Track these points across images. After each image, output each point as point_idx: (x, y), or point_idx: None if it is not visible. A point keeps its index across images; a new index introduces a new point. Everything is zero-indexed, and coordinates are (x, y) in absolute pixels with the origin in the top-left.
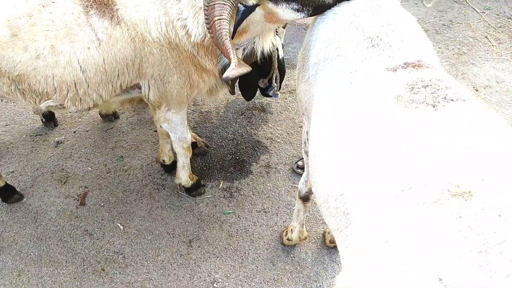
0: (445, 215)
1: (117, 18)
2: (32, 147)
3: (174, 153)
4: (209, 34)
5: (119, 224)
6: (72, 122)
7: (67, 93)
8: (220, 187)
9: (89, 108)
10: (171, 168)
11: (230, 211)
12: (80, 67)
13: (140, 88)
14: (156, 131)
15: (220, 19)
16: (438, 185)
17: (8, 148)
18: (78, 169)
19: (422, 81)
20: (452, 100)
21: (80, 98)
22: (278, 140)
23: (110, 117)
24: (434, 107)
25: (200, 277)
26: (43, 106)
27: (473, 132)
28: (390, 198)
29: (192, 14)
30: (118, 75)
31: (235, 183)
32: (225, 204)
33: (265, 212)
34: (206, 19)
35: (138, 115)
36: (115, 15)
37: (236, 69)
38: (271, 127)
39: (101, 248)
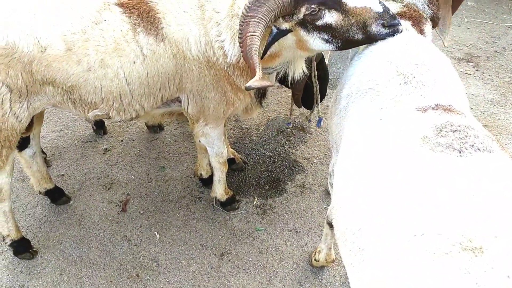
0: (454, 268)
1: (162, 35)
2: (82, 153)
3: (211, 168)
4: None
5: (156, 233)
6: (120, 131)
7: (113, 103)
8: (254, 203)
9: (132, 119)
10: (208, 182)
11: (262, 228)
12: (126, 79)
13: (180, 101)
14: None
15: (252, 35)
16: (451, 236)
17: (60, 152)
18: (122, 177)
19: (451, 125)
20: (479, 149)
21: (124, 109)
22: (315, 161)
23: (155, 128)
24: (460, 153)
25: None
26: (91, 115)
27: (494, 186)
28: (403, 241)
29: (230, 36)
30: (160, 88)
31: (269, 201)
32: (258, 220)
33: (297, 231)
34: (239, 33)
35: (181, 127)
36: (160, 33)
37: (259, 81)
38: (309, 147)
39: (138, 254)
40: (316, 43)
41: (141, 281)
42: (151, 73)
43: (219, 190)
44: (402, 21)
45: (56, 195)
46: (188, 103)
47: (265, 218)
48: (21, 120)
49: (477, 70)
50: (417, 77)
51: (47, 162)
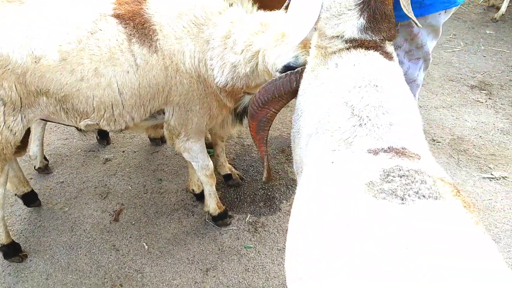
0: None
1: (155, 47)
2: (84, 161)
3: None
4: (230, 83)
5: (145, 244)
6: (123, 142)
7: (104, 113)
8: (246, 220)
9: (121, 130)
10: (201, 197)
11: (251, 246)
12: (118, 89)
13: (164, 114)
14: None
15: (263, 131)
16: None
17: (63, 159)
18: (119, 187)
19: (400, 170)
20: (424, 196)
21: (115, 119)
22: None
23: (157, 141)
24: (402, 200)
25: None
26: (82, 124)
27: (426, 239)
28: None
29: (219, 65)
30: (149, 99)
31: (262, 219)
32: (248, 238)
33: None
34: (253, 112)
35: None
36: (154, 45)
37: (266, 172)
38: None
39: (124, 264)
40: None
41: None
42: (142, 84)
43: (212, 204)
44: (368, 52)
45: (31, 198)
46: (173, 115)
47: (255, 236)
48: (15, 133)
49: (489, 99)
50: (372, 120)
51: (48, 169)
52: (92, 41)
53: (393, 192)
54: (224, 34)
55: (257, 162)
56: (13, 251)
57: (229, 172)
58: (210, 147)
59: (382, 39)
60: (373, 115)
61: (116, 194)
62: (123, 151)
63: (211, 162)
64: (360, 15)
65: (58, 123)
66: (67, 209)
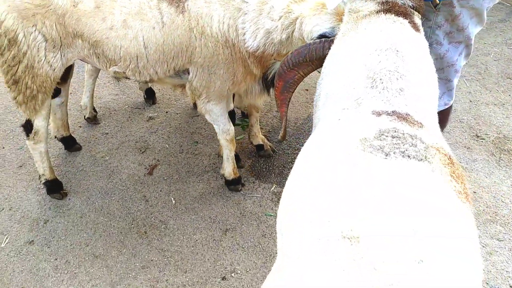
0: (329, 254)
1: (183, 8)
2: (129, 117)
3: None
4: (261, 49)
5: (172, 199)
6: (168, 103)
7: (129, 64)
8: (271, 190)
9: (146, 82)
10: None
11: (272, 214)
12: (144, 43)
13: (189, 73)
14: None
15: (288, 93)
16: (337, 224)
17: (111, 113)
18: (157, 144)
19: (395, 131)
20: (408, 156)
21: (139, 71)
22: None
23: None
24: (386, 155)
25: (222, 264)
26: (111, 70)
27: (398, 189)
28: (302, 227)
29: (252, 30)
30: (173, 57)
31: None
32: (270, 206)
33: None
34: (282, 72)
35: None
36: (181, 5)
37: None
38: None
39: (151, 214)
40: None
41: (147, 238)
42: (167, 41)
43: (228, 168)
44: (398, 18)
45: (70, 143)
46: (196, 76)
47: (277, 205)
48: (54, 69)
49: None
50: (385, 84)
51: (96, 120)
52: None
53: (381, 148)
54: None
55: (291, 137)
56: (56, 187)
57: (261, 142)
58: (246, 117)
59: (412, 7)
60: (386, 78)
61: (153, 150)
62: (167, 112)
63: (232, 127)
64: None
65: (94, 66)
66: (107, 158)
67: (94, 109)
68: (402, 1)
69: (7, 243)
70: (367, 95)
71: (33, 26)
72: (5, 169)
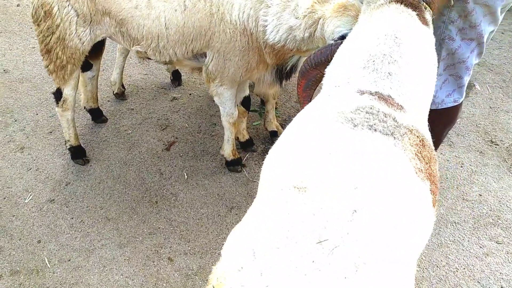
0: (280, 200)
1: None
2: (154, 96)
3: (248, 133)
4: (281, 43)
5: (185, 174)
6: (192, 86)
7: (151, 43)
8: None
9: (166, 62)
10: (245, 145)
11: None
12: (165, 23)
13: (206, 57)
14: None
15: (310, 92)
16: (292, 177)
17: (138, 91)
18: (178, 122)
19: (371, 108)
20: (375, 130)
21: (160, 51)
22: None
23: None
24: (354, 126)
25: (224, 238)
26: (134, 49)
27: (355, 156)
28: (269, 178)
29: (274, 24)
30: (192, 40)
31: None
32: None
33: None
34: (305, 71)
35: None
36: None
37: None
38: None
39: (164, 186)
40: None
41: (157, 207)
42: (187, 24)
43: (227, 149)
44: (406, 9)
45: (97, 115)
46: (212, 60)
47: None
48: (83, 43)
49: None
50: (376, 66)
51: (124, 96)
52: None
53: (351, 120)
54: None
55: None
56: (79, 153)
57: (275, 129)
58: (263, 104)
59: (425, 1)
60: (378, 61)
61: (173, 128)
62: (190, 94)
63: (236, 112)
64: None
65: (119, 43)
66: (130, 131)
67: (122, 86)
68: None
69: (30, 199)
70: (357, 75)
71: (67, 1)
72: (37, 134)
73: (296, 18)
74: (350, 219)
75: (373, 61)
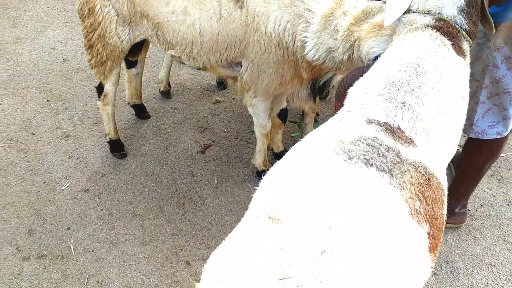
0: (254, 228)
1: (242, 3)
2: (198, 97)
3: (284, 144)
4: (320, 61)
5: (216, 179)
6: (236, 90)
7: (185, 49)
8: None
9: (199, 68)
10: (279, 157)
11: None
12: (200, 31)
13: (241, 67)
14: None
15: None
16: (269, 207)
17: (183, 91)
18: (217, 126)
19: (374, 141)
20: (371, 165)
21: (193, 57)
22: None
23: None
24: (349, 159)
25: None
26: (169, 53)
27: (333, 191)
28: (253, 203)
29: (314, 42)
30: (226, 48)
31: None
32: None
33: None
34: (339, 94)
35: None
36: (241, 1)
37: None
38: None
39: (193, 189)
40: None
41: (183, 209)
42: (221, 32)
43: (259, 159)
44: (442, 37)
45: (140, 110)
46: (247, 70)
47: None
48: (122, 41)
49: None
50: (391, 95)
51: (169, 94)
52: None
53: (348, 151)
54: (326, 13)
55: None
56: (117, 147)
57: None
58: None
59: (466, 31)
60: (394, 89)
61: (211, 131)
62: (233, 98)
63: (269, 124)
64: None
65: (156, 46)
66: (169, 130)
67: (169, 84)
68: (459, 23)
69: (67, 186)
70: (370, 102)
71: (108, 0)
72: (83, 124)
73: (334, 39)
74: (318, 259)
75: (389, 88)
